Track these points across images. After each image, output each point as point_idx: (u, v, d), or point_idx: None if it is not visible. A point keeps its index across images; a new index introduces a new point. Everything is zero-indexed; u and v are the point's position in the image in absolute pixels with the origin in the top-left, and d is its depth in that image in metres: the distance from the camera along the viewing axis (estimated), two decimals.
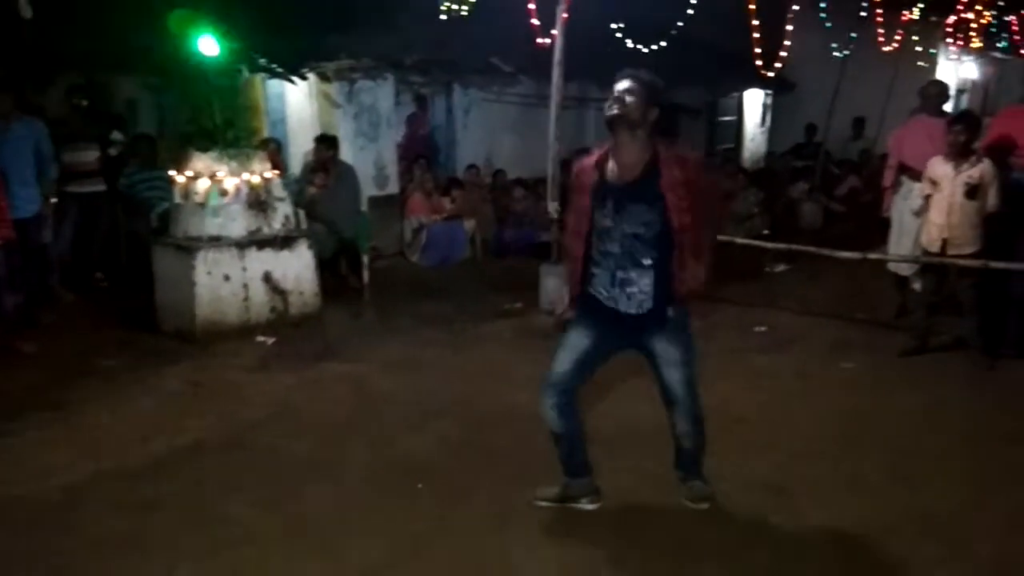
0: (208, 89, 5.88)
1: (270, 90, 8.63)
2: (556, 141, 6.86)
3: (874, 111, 11.50)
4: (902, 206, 5.97)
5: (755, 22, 10.27)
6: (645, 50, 9.89)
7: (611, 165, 3.15)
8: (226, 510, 3.49)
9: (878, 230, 6.53)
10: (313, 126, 8.44)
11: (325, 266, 6.84)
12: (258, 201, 6.06)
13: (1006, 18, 14.87)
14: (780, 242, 6.75)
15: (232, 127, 6.07)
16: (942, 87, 6.29)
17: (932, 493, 3.61)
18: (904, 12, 12.19)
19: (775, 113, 14.41)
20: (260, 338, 5.83)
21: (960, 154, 5.04)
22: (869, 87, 11.28)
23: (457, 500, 3.55)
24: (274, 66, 7.65)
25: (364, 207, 8.06)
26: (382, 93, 8.77)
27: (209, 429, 4.32)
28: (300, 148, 8.56)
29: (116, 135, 7.77)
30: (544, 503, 3.47)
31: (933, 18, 13.08)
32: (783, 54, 11.19)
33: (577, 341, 3.26)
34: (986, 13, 13.62)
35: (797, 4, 11.04)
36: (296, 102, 8.63)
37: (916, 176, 5.58)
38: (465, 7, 8.50)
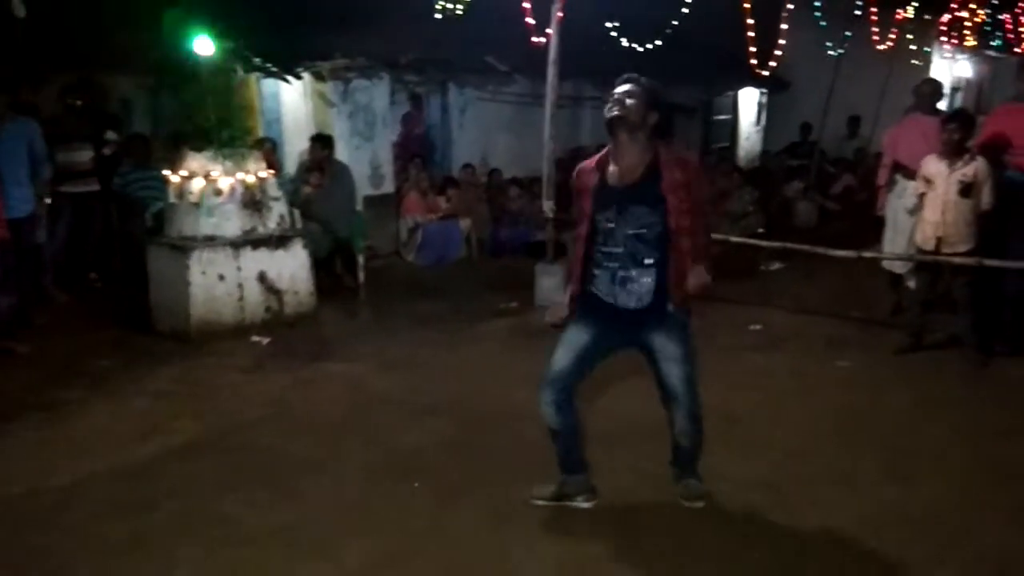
0: (203, 88, 5.86)
1: (265, 89, 8.61)
2: (551, 140, 6.87)
3: (869, 110, 11.53)
4: (896, 204, 5.98)
5: (750, 21, 10.29)
6: (640, 49, 9.90)
7: (612, 167, 3.18)
8: (223, 510, 3.48)
9: (873, 228, 6.55)
10: (308, 125, 8.43)
11: (320, 266, 6.83)
12: (253, 201, 6.05)
13: (1000, 16, 14.93)
14: (775, 240, 6.76)
15: (227, 126, 6.06)
16: (936, 86, 6.30)
17: (927, 490, 3.62)
18: (898, 11, 12.23)
19: (770, 112, 14.45)
20: (255, 338, 5.82)
21: (954, 152, 5.05)
22: (864, 86, 11.30)
23: (454, 499, 3.55)
24: (269, 65, 7.63)
25: (359, 206, 8.05)
26: (377, 92, 8.76)
27: (204, 429, 4.31)
28: (295, 147, 8.55)
29: (110, 135, 7.74)
30: (540, 502, 3.47)
31: (927, 16, 13.11)
32: (778, 53, 11.21)
33: (576, 338, 3.27)
34: (980, 11, 13.67)
35: (792, 3, 11.06)
36: (291, 101, 8.62)
37: (910, 174, 5.60)
38: (460, 6, 8.49)
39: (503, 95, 10.47)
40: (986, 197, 5.04)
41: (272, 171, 6.50)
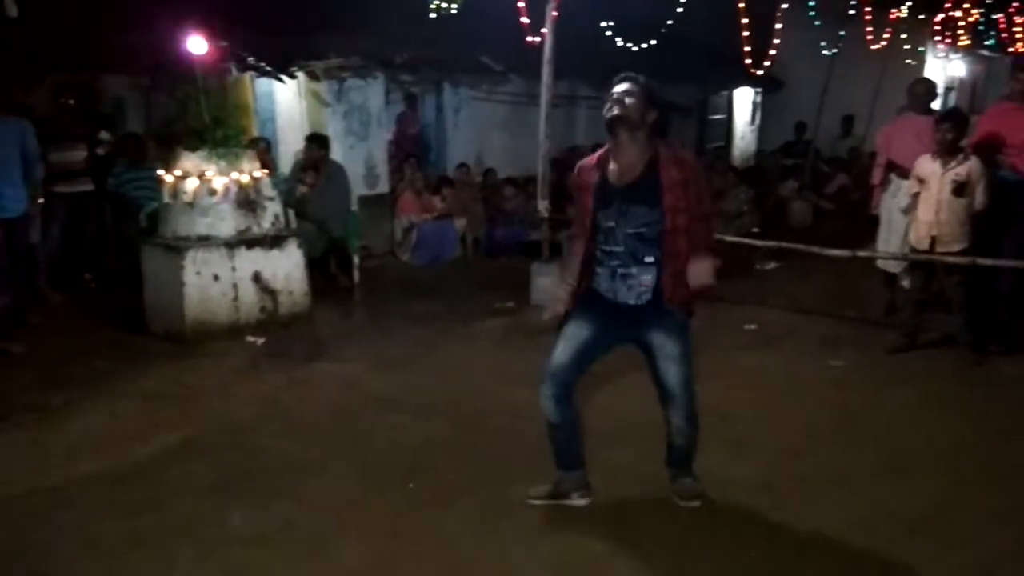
0: (196, 88, 5.85)
1: (259, 89, 8.59)
2: (546, 140, 6.88)
3: (863, 109, 11.55)
4: (891, 204, 5.99)
5: (744, 20, 10.30)
6: (635, 48, 9.91)
7: (612, 166, 3.20)
8: (218, 510, 3.48)
9: (867, 228, 6.56)
10: (302, 125, 8.42)
11: (315, 265, 6.82)
12: (247, 200, 6.04)
13: (993, 16, 14.96)
14: (770, 240, 6.77)
15: (221, 126, 6.04)
16: (930, 85, 6.31)
17: (922, 489, 3.63)
18: (892, 10, 12.25)
19: (765, 111, 14.47)
20: (250, 338, 5.81)
21: (948, 152, 5.06)
22: (858, 85, 11.33)
23: (450, 499, 3.54)
24: (263, 65, 7.62)
25: (354, 206, 8.04)
26: (372, 92, 8.75)
27: (199, 430, 4.30)
28: (289, 147, 8.53)
29: (104, 134, 7.73)
30: (537, 502, 3.47)
31: (921, 16, 13.14)
32: (772, 52, 11.23)
33: (577, 332, 3.28)
34: (974, 11, 13.70)
35: (786, 2, 11.07)
36: (285, 101, 8.60)
37: (904, 174, 5.61)
38: (455, 5, 8.49)
39: (498, 95, 10.47)
40: (980, 197, 5.05)
41: (266, 171, 6.49)
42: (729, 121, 14.33)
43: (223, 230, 5.91)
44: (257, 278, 5.98)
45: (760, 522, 3.35)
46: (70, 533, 3.32)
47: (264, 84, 8.43)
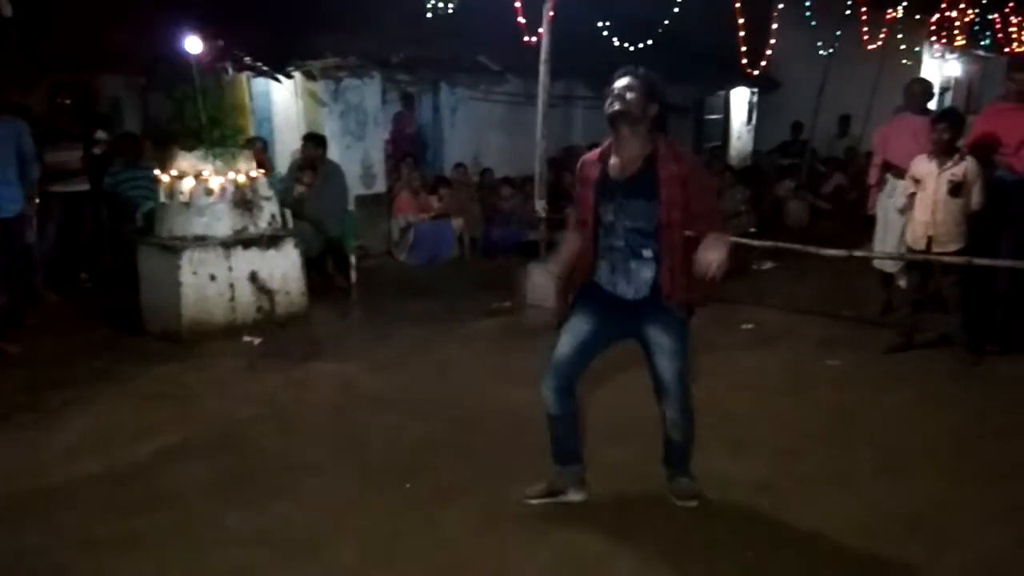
0: (193, 88, 5.84)
1: (256, 88, 8.59)
2: (543, 139, 6.87)
3: (859, 109, 11.57)
4: (887, 204, 6.00)
5: (741, 20, 10.32)
6: (632, 48, 9.91)
7: (613, 160, 3.21)
8: (215, 510, 3.47)
9: (864, 228, 6.57)
10: (299, 125, 8.41)
11: (312, 265, 6.81)
12: (244, 200, 6.03)
13: (989, 16, 15.01)
14: (767, 240, 6.78)
15: (217, 126, 6.03)
16: (926, 85, 6.32)
17: (919, 489, 3.63)
18: (889, 10, 12.28)
19: (761, 111, 14.48)
20: (247, 338, 5.80)
21: (944, 152, 5.07)
22: (854, 85, 11.35)
23: (448, 499, 3.54)
24: (259, 64, 7.61)
25: (351, 206, 8.04)
26: (369, 91, 8.74)
27: (196, 430, 4.29)
28: (286, 147, 8.52)
29: (100, 134, 7.72)
30: (535, 501, 3.47)
31: (917, 16, 13.17)
32: (768, 52, 11.25)
33: (579, 326, 3.30)
34: (969, 11, 13.74)
35: (782, 2, 11.09)
36: (282, 100, 8.59)
37: (901, 174, 5.61)
38: (451, 5, 8.48)
39: (495, 94, 10.47)
40: (976, 197, 5.06)
41: (263, 170, 6.49)
42: (726, 121, 14.35)
43: (219, 230, 5.90)
44: (254, 278, 5.97)
45: (758, 522, 3.35)
46: (67, 533, 3.31)
47: (261, 84, 8.42)
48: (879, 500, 3.53)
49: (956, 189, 5.01)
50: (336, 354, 5.57)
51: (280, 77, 7.91)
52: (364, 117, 8.73)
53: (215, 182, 5.90)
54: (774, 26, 11.02)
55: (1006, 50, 15.54)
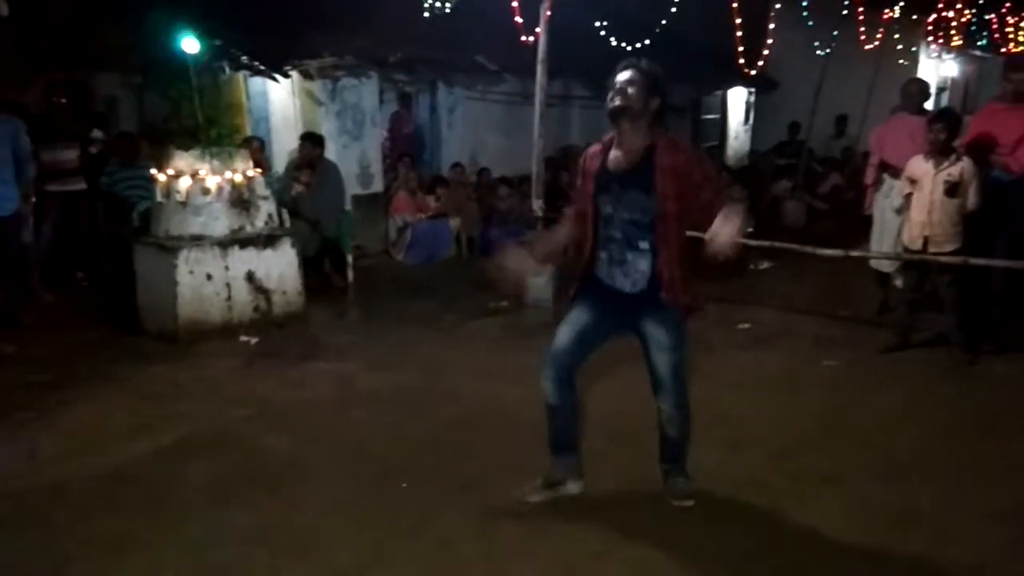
0: (190, 87, 5.83)
1: (253, 88, 8.58)
2: (541, 139, 6.88)
3: (856, 109, 11.58)
4: (884, 204, 6.01)
5: (738, 20, 10.33)
6: (629, 48, 9.91)
7: (614, 152, 3.23)
8: (210, 510, 3.47)
9: (860, 227, 6.58)
10: (296, 124, 8.41)
11: (309, 265, 6.81)
12: (241, 200, 6.02)
13: (986, 16, 15.03)
14: (763, 240, 6.78)
15: (214, 125, 6.03)
16: (923, 85, 6.33)
17: (915, 489, 3.64)
18: (885, 10, 12.29)
19: (758, 111, 14.50)
20: (243, 338, 5.80)
21: (940, 152, 5.07)
22: (851, 85, 11.36)
23: (443, 499, 3.54)
24: (256, 63, 7.61)
25: (348, 205, 8.03)
26: (366, 91, 8.74)
27: (192, 429, 4.29)
28: (283, 146, 8.52)
29: (96, 133, 7.71)
30: (534, 497, 3.49)
31: (914, 16, 13.19)
32: (766, 52, 11.26)
33: (578, 317, 3.33)
34: (966, 12, 13.76)
35: (779, 2, 11.10)
36: (279, 100, 8.59)
37: (897, 174, 5.62)
38: (448, 5, 8.48)
39: (492, 94, 10.47)
40: (972, 197, 5.06)
41: (260, 170, 6.48)
42: (723, 121, 14.36)
43: (216, 229, 5.89)
44: (250, 277, 5.97)
45: (755, 521, 3.36)
46: (65, 532, 3.31)
47: (258, 83, 8.42)
48: (875, 499, 3.54)
49: (952, 189, 5.02)
50: (333, 354, 5.56)
51: (277, 76, 7.90)
52: (361, 117, 8.72)
53: (212, 181, 5.89)
54: (771, 26, 11.03)
55: (1003, 50, 15.56)
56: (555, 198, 8.21)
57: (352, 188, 8.35)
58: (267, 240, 6.09)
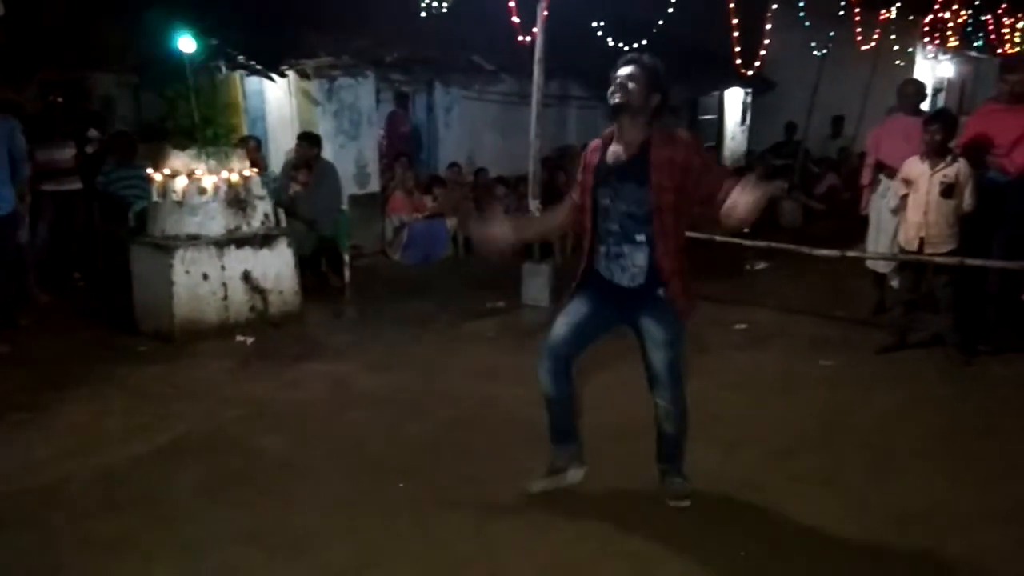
0: (186, 86, 5.82)
1: (249, 87, 8.57)
2: (537, 139, 6.87)
3: (852, 109, 11.60)
4: (880, 204, 6.02)
5: (735, 21, 10.34)
6: (626, 48, 9.92)
7: (613, 147, 3.26)
8: (207, 510, 3.46)
9: (857, 228, 6.58)
10: (293, 124, 8.40)
11: (306, 264, 6.81)
12: (237, 199, 6.01)
13: (982, 17, 15.06)
14: (760, 240, 6.78)
15: (210, 124, 6.02)
16: (919, 86, 6.33)
17: (911, 489, 3.64)
18: (882, 11, 12.32)
19: (755, 111, 14.51)
20: (240, 338, 5.79)
21: (936, 153, 5.08)
22: (847, 86, 11.38)
23: (439, 499, 3.53)
24: (253, 63, 7.60)
25: (345, 205, 8.03)
26: (363, 91, 8.73)
27: (188, 429, 4.28)
28: (280, 146, 8.51)
29: (93, 133, 7.69)
30: (536, 486, 3.53)
31: (910, 17, 13.21)
32: (763, 53, 11.27)
33: (576, 309, 3.36)
34: (962, 12, 13.79)
35: (776, 3, 11.11)
36: (276, 99, 8.58)
37: (893, 175, 5.62)
38: (446, 4, 8.48)
39: (489, 94, 10.47)
40: (968, 198, 5.07)
41: (256, 169, 6.47)
42: (720, 121, 14.37)
43: (212, 229, 5.88)
44: (247, 277, 5.96)
45: (752, 522, 3.36)
46: (61, 532, 3.30)
47: (254, 82, 8.41)
48: (872, 500, 3.54)
49: (948, 190, 5.03)
50: (330, 354, 5.56)
51: (274, 76, 7.89)
52: (358, 116, 8.72)
53: (208, 181, 5.88)
54: (768, 26, 11.05)
55: (999, 51, 15.59)
56: (552, 198, 8.18)
57: (349, 188, 8.35)
58: (263, 240, 6.08)
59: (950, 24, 14.08)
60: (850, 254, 6.16)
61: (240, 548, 3.19)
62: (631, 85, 3.14)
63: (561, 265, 7.07)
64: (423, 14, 8.48)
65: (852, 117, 11.78)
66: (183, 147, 5.92)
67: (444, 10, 8.49)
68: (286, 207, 7.01)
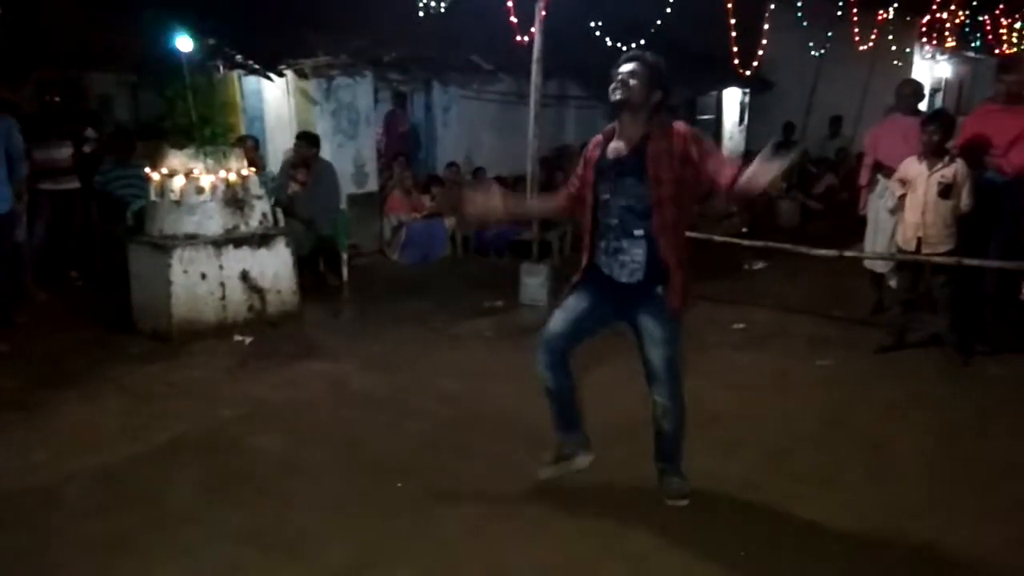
0: (184, 86, 5.81)
1: (247, 87, 8.56)
2: (535, 139, 6.87)
3: (850, 110, 11.62)
4: (878, 204, 6.02)
5: (733, 21, 10.35)
6: (624, 48, 9.92)
7: (613, 143, 3.29)
8: (202, 510, 3.46)
9: (855, 228, 6.59)
10: (291, 123, 8.39)
11: (304, 264, 6.80)
12: (235, 199, 6.01)
13: (979, 18, 15.09)
14: (758, 240, 6.80)
15: (208, 124, 6.01)
16: (917, 87, 6.34)
17: (910, 489, 3.65)
18: (880, 11, 12.33)
19: (753, 112, 14.52)
20: (238, 337, 5.78)
21: (934, 154, 5.09)
22: (845, 86, 11.40)
23: (438, 499, 3.53)
24: (251, 63, 7.59)
25: (343, 205, 8.02)
26: (361, 90, 8.73)
27: (186, 429, 4.28)
28: (278, 145, 8.50)
29: (90, 132, 7.68)
30: (544, 473, 3.58)
31: (908, 18, 13.24)
32: (760, 53, 11.28)
33: (575, 303, 3.39)
34: (960, 13, 13.81)
35: (774, 3, 11.13)
36: (274, 99, 8.57)
37: (891, 175, 5.63)
38: (444, 4, 8.48)
39: (487, 94, 10.47)
40: (965, 199, 5.07)
41: (254, 169, 6.46)
42: (718, 122, 14.37)
43: (210, 228, 5.87)
44: (245, 277, 5.95)
45: (750, 521, 3.36)
46: (58, 533, 3.30)
47: (252, 82, 8.40)
48: (870, 499, 3.54)
49: (946, 191, 5.03)
50: (328, 353, 5.55)
51: (272, 75, 7.89)
52: (356, 116, 8.72)
53: (206, 180, 5.87)
54: (766, 27, 11.06)
55: (996, 51, 15.63)
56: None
57: (347, 187, 8.34)
58: (261, 239, 6.07)
59: (948, 24, 14.10)
60: (848, 254, 6.16)
61: (239, 548, 3.19)
62: (633, 82, 3.17)
63: (559, 265, 7.07)
64: (421, 14, 8.48)
65: (850, 117, 11.80)
66: (181, 146, 5.91)
67: (442, 10, 8.48)
68: (284, 207, 7.02)
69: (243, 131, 8.13)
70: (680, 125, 3.26)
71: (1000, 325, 5.59)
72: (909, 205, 5.22)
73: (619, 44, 9.81)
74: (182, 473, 3.79)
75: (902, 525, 3.33)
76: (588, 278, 3.39)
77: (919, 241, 5.18)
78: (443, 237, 8.87)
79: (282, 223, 6.54)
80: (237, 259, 5.92)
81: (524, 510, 3.44)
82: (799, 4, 11.50)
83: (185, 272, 5.68)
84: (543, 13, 6.51)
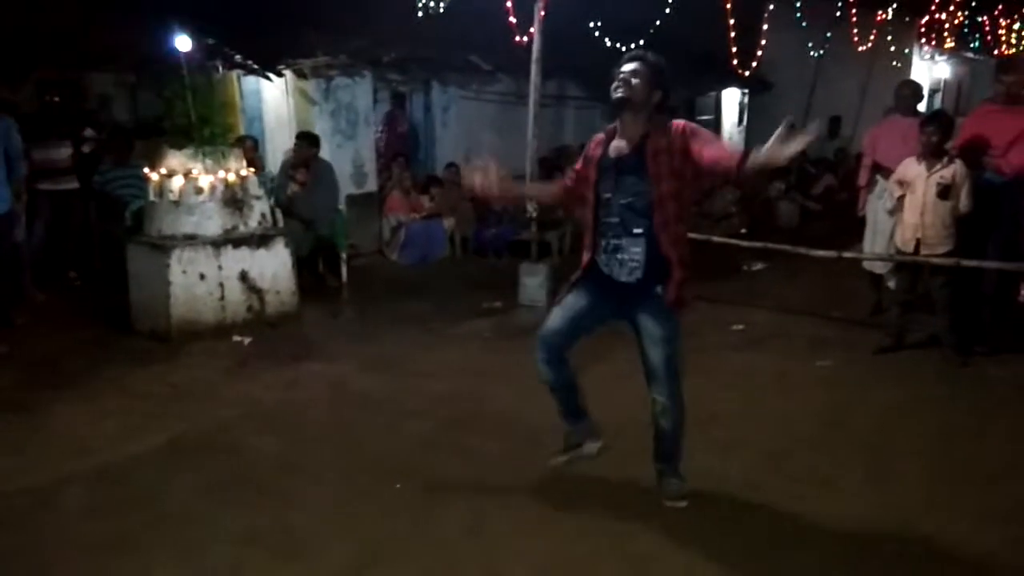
0: (183, 86, 5.81)
1: (246, 87, 8.56)
2: (534, 139, 6.87)
3: (850, 110, 11.63)
4: (877, 205, 6.03)
5: (732, 21, 10.36)
6: (623, 48, 9.93)
7: (615, 142, 3.31)
8: (202, 511, 3.45)
9: (854, 229, 6.59)
10: (290, 124, 8.39)
11: (303, 264, 6.80)
12: (234, 199, 6.00)
13: (978, 19, 15.11)
14: (757, 241, 6.80)
15: (207, 124, 6.01)
16: (916, 87, 6.34)
17: (909, 489, 3.65)
18: (879, 12, 12.35)
19: (752, 112, 14.53)
20: (236, 338, 5.78)
21: (933, 154, 5.09)
22: (844, 86, 11.41)
23: (437, 500, 3.53)
24: (250, 63, 7.59)
25: (342, 205, 8.02)
26: (360, 91, 8.73)
27: (185, 430, 4.27)
28: (277, 146, 8.50)
29: (89, 132, 7.68)
30: (555, 462, 3.63)
31: (907, 18, 13.25)
32: (760, 53, 11.29)
33: (574, 301, 3.40)
34: (959, 14, 13.83)
35: (773, 4, 11.14)
36: (273, 99, 8.57)
37: (890, 176, 5.63)
38: (443, 4, 8.48)
39: (486, 94, 10.46)
40: (964, 200, 5.08)
41: (253, 169, 6.46)
42: (717, 122, 14.38)
43: (209, 229, 5.87)
44: (244, 277, 5.95)
45: (749, 522, 3.36)
46: (52, 533, 3.29)
47: (251, 82, 8.39)
48: (869, 500, 3.54)
49: (945, 192, 5.04)
50: (327, 354, 5.55)
51: (271, 75, 7.88)
52: (355, 116, 8.71)
53: (205, 181, 5.87)
54: (765, 27, 11.07)
55: (995, 52, 15.65)
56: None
57: (346, 187, 8.34)
58: (260, 240, 6.07)
59: (946, 25, 14.12)
60: (847, 255, 6.17)
61: (239, 548, 3.19)
62: (635, 81, 3.18)
63: (559, 266, 7.07)
64: (420, 14, 8.48)
65: (849, 118, 11.82)
66: (180, 146, 5.91)
67: (441, 10, 8.48)
68: (284, 207, 7.01)
69: (242, 131, 8.12)
70: (678, 121, 3.27)
71: (999, 326, 5.59)
72: (908, 206, 5.22)
73: (618, 44, 9.82)
74: (181, 473, 3.79)
75: (901, 525, 3.34)
76: (588, 276, 3.40)
77: (918, 242, 5.18)
78: (442, 237, 8.87)
79: (281, 223, 6.54)
80: (236, 259, 5.92)
81: (524, 510, 3.44)
82: (798, 4, 11.51)
83: (184, 272, 5.68)
84: (542, 13, 6.52)
